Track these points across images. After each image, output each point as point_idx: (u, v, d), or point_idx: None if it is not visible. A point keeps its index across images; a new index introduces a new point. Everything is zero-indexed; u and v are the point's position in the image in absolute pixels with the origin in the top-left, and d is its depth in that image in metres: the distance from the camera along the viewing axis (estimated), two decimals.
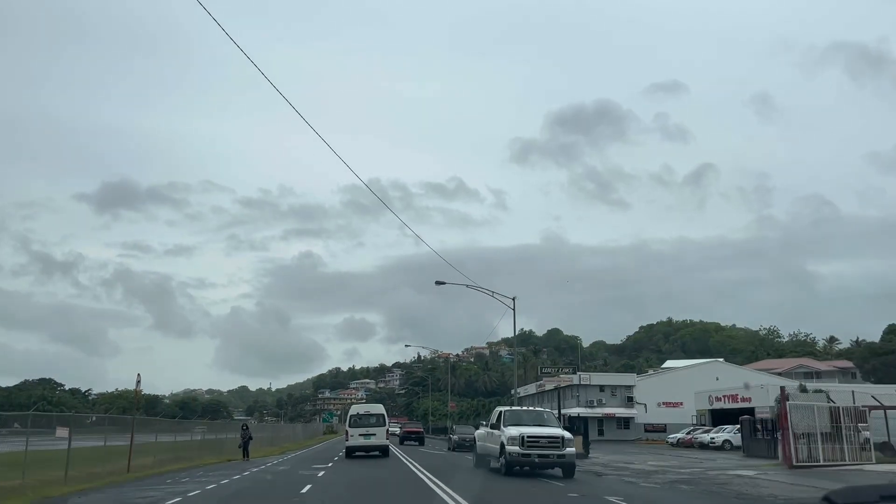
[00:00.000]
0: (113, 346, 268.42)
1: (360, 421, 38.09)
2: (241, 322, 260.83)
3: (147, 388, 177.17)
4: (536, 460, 22.56)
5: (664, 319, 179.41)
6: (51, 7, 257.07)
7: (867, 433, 30.61)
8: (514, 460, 22.52)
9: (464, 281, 48.56)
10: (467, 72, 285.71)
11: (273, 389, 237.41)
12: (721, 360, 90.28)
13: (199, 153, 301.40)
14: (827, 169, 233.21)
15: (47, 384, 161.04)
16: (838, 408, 29.35)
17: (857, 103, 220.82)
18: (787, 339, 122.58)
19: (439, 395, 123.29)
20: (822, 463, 27.44)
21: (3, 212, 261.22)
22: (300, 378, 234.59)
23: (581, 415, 69.18)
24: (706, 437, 52.97)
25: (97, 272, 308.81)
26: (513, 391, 52.65)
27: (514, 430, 22.70)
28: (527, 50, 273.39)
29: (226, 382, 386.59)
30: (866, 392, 39.45)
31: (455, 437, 48.67)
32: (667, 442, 60.89)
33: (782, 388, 31.47)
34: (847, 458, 28.06)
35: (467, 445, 43.41)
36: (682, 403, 74.52)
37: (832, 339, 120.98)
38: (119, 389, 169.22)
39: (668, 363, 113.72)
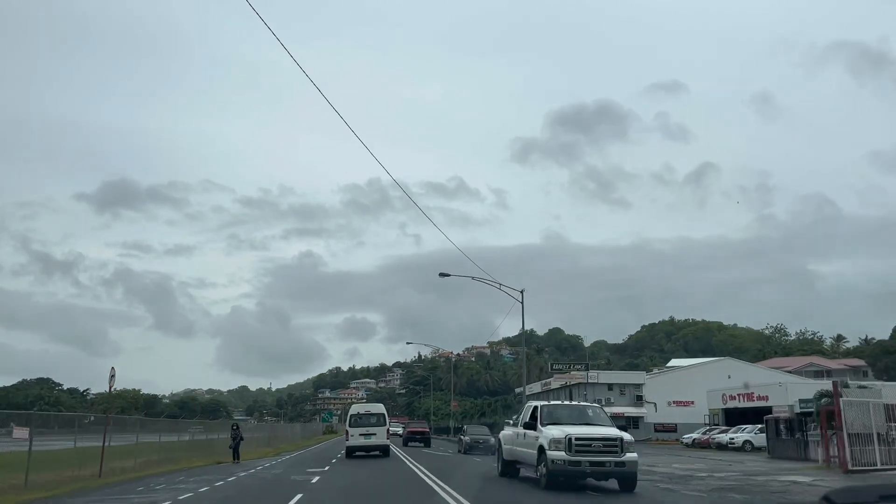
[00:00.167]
0: (113, 345, 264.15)
1: (361, 420, 37.29)
2: (241, 322, 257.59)
3: (147, 388, 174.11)
4: (588, 469, 17.62)
5: (666, 318, 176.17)
6: (51, 7, 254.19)
7: None
8: (559, 469, 17.38)
9: (477, 276, 45.39)
10: (467, 71, 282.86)
11: (273, 389, 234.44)
12: (732, 357, 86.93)
13: (200, 153, 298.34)
14: (828, 168, 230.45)
15: (45, 384, 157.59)
16: (892, 406, 26.01)
17: (857, 102, 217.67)
18: (793, 337, 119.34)
19: (441, 395, 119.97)
20: (878, 467, 24.09)
21: (3, 211, 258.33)
22: (300, 378, 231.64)
23: None
24: (724, 438, 49.64)
25: (97, 272, 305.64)
26: (521, 388, 49.25)
27: (556, 431, 17.64)
28: (527, 49, 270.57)
29: (226, 382, 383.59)
30: None
31: (466, 438, 43.94)
32: (681, 442, 57.52)
33: (835, 384, 28.10)
34: None
35: (480, 448, 40.22)
36: (692, 402, 71.21)
37: (839, 338, 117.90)
38: (118, 389, 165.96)
39: (674, 362, 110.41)
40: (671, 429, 70.72)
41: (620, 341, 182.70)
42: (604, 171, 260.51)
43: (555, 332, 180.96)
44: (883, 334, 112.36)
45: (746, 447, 47.13)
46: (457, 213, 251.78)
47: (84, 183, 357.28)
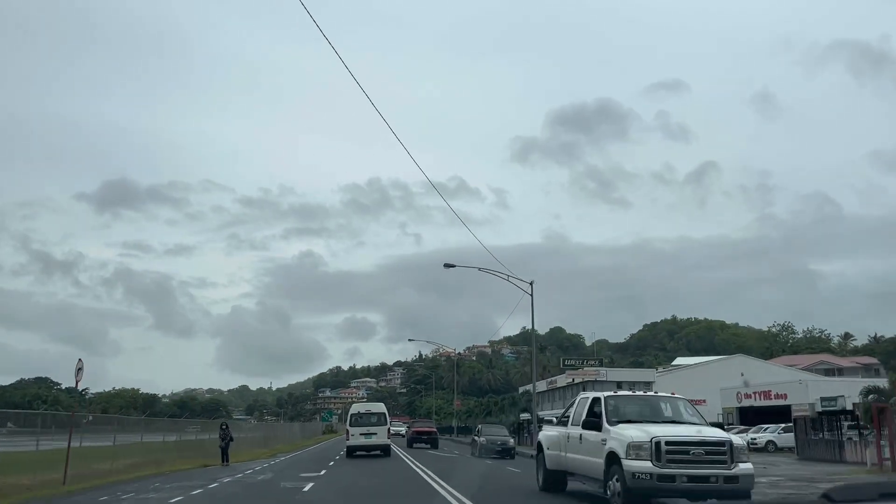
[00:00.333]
0: (114, 345, 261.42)
1: (361, 420, 36.61)
2: (241, 321, 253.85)
3: (148, 388, 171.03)
4: (685, 485, 12.53)
5: (668, 317, 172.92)
6: (51, 6, 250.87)
7: None
8: (644, 486, 12.41)
9: (483, 266, 42.15)
10: (467, 71, 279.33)
11: (273, 389, 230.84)
12: (744, 354, 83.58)
13: (200, 152, 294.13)
14: (829, 167, 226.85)
15: (43, 383, 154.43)
16: None
17: (858, 102, 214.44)
18: (801, 335, 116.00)
19: (442, 394, 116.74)
20: None
21: (3, 211, 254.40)
22: (301, 377, 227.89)
23: None
24: (745, 438, 46.23)
25: (97, 271, 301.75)
26: (532, 385, 46.02)
27: (635, 432, 12.71)
28: (527, 49, 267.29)
29: (226, 382, 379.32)
30: None
31: (482, 439, 37.39)
32: None
33: (892, 381, 24.76)
34: None
35: (499, 450, 35.67)
36: (704, 401, 67.43)
37: (847, 336, 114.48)
38: (116, 388, 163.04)
39: (679, 360, 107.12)
40: None
41: (622, 340, 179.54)
42: (604, 171, 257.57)
43: (556, 332, 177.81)
44: (887, 333, 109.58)
45: (770, 448, 43.89)
46: (457, 212, 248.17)
47: (84, 183, 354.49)
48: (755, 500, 14.24)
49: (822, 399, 50.17)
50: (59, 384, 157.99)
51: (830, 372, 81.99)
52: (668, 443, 12.46)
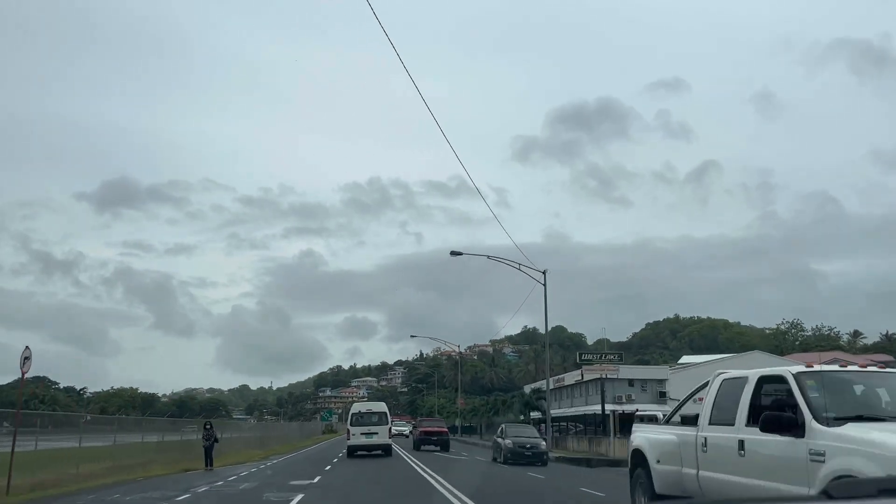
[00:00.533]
0: (114, 345, 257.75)
1: (362, 419, 35.76)
2: (242, 321, 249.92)
3: (148, 388, 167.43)
4: None
5: (671, 316, 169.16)
6: (51, 6, 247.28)
7: None
8: None
9: (493, 255, 38.47)
10: (468, 70, 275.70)
11: (274, 388, 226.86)
12: (761, 351, 79.82)
13: (199, 151, 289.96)
14: (830, 166, 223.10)
15: (41, 382, 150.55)
16: None
17: (859, 100, 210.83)
18: (809, 333, 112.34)
19: (444, 392, 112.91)
20: None
21: (3, 211, 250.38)
22: (301, 377, 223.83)
23: (608, 412, 58.78)
24: None
25: (98, 271, 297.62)
26: (545, 381, 42.27)
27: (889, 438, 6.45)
28: (528, 48, 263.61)
29: (227, 381, 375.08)
30: None
31: (508, 441, 31.17)
32: None
33: None
34: None
35: (528, 455, 29.91)
36: None
37: (856, 334, 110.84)
38: (114, 388, 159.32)
39: (685, 359, 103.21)
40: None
41: (624, 339, 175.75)
42: (605, 170, 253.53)
43: (557, 331, 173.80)
44: (891, 330, 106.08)
45: None
46: (457, 212, 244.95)
47: (84, 182, 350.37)
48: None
49: None
50: (56, 383, 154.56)
51: None
52: None
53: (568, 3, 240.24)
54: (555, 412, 68.03)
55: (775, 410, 7.84)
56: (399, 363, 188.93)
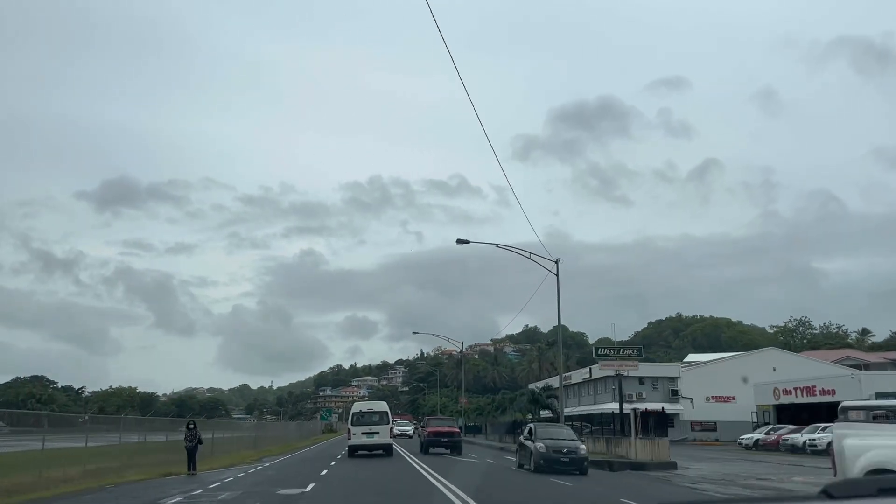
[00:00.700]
0: (114, 344, 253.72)
1: (363, 419, 34.94)
2: (242, 320, 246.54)
3: (148, 387, 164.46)
4: None
5: (673, 315, 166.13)
6: (51, 5, 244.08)
7: None
8: None
9: (502, 244, 35.32)
10: (469, 70, 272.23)
11: (274, 387, 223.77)
12: (776, 348, 76.79)
13: (199, 150, 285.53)
14: (832, 164, 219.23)
15: (39, 381, 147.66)
16: None
17: (861, 98, 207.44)
18: (818, 331, 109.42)
19: (447, 392, 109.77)
20: None
21: (3, 210, 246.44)
22: (302, 376, 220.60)
23: (616, 411, 55.70)
24: (799, 438, 39.48)
25: (98, 270, 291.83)
26: (558, 376, 39.15)
27: None
28: (528, 47, 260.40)
29: (227, 381, 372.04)
30: None
31: (539, 445, 24.99)
32: (739, 444, 47.22)
33: None
34: None
35: (566, 462, 24.13)
36: (734, 398, 61.14)
37: (865, 332, 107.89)
38: (113, 387, 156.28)
39: (691, 357, 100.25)
40: (710, 427, 60.58)
41: (626, 338, 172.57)
42: (606, 169, 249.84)
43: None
44: (888, 331, 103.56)
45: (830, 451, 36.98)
46: (458, 210, 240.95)
47: (84, 181, 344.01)
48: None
49: (878, 394, 43.69)
50: (55, 383, 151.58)
51: (857, 367, 75.54)
52: None
53: (568, 2, 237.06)
54: (574, 410, 64.98)
55: None
56: (400, 362, 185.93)
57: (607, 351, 35.55)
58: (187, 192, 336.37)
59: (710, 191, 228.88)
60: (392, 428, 38.45)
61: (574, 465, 24.34)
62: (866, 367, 78.11)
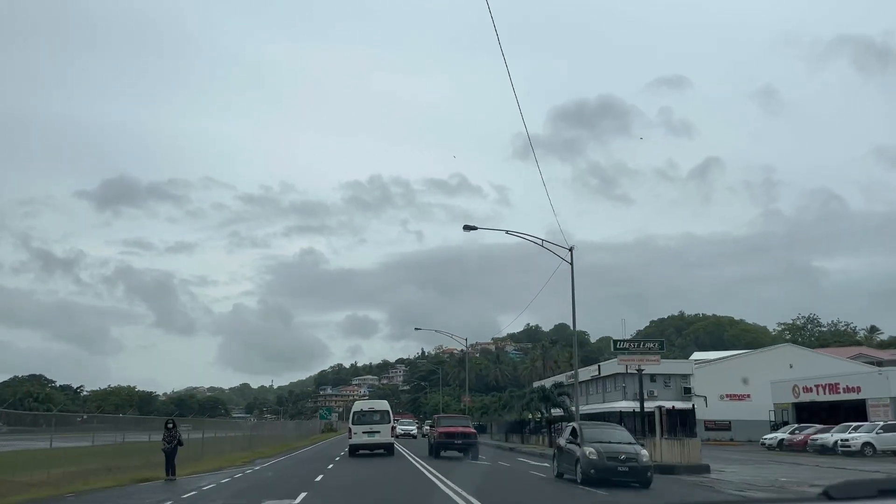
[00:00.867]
0: (115, 343, 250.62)
1: (364, 418, 34.30)
2: (243, 319, 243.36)
3: (149, 386, 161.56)
4: None
5: (676, 313, 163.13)
6: (51, 5, 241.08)
7: None
8: None
9: (512, 230, 32.32)
10: (469, 69, 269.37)
11: (275, 387, 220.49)
12: (793, 344, 73.77)
13: (199, 150, 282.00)
14: (833, 163, 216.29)
15: (37, 380, 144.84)
16: None
17: (862, 97, 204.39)
18: (825, 328, 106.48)
19: (449, 390, 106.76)
20: None
21: (3, 209, 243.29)
22: (302, 375, 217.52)
23: (629, 410, 52.71)
24: (829, 439, 36.41)
25: (98, 269, 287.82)
26: (574, 371, 36.14)
27: None
28: (529, 46, 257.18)
29: (228, 380, 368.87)
30: None
31: (588, 450, 19.52)
32: (762, 444, 44.16)
33: None
34: None
35: (626, 471, 18.80)
36: (748, 396, 58.13)
37: (873, 329, 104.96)
38: (112, 386, 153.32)
39: (697, 355, 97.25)
40: (724, 426, 57.54)
41: (628, 337, 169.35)
42: (606, 168, 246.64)
43: (561, 328, 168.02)
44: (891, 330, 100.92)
45: (867, 451, 33.92)
46: (459, 209, 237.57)
47: (85, 180, 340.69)
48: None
49: None
50: (53, 382, 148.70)
51: (870, 364, 72.78)
52: None
53: (568, 2, 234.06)
54: (590, 408, 61.93)
55: None
56: (400, 361, 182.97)
57: (627, 345, 32.51)
58: (187, 192, 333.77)
59: (712, 190, 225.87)
60: (394, 427, 37.74)
61: (635, 476, 18.95)
62: (880, 364, 75.28)
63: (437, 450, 32.24)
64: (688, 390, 59.27)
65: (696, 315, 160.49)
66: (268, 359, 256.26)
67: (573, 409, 42.54)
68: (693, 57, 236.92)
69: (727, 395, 58.29)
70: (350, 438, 34.18)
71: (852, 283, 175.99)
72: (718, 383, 59.17)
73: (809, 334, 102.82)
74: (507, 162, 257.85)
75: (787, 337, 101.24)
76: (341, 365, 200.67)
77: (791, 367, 57.05)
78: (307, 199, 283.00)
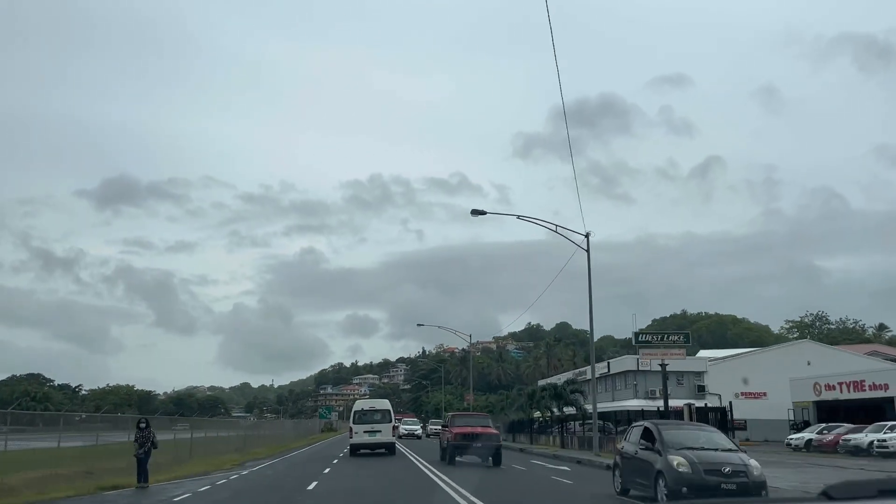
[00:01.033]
0: (115, 342, 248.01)
1: (365, 417, 33.90)
2: (243, 319, 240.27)
3: (149, 385, 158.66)
4: None
5: (678, 312, 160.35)
6: (51, 5, 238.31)
7: None
8: None
9: (524, 215, 29.48)
10: (470, 68, 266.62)
11: (275, 386, 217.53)
12: (812, 340, 70.85)
13: (199, 149, 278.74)
14: (835, 162, 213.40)
15: (35, 379, 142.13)
16: None
17: (864, 95, 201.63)
18: (833, 325, 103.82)
19: (450, 389, 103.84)
20: None
21: (3, 208, 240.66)
22: (303, 374, 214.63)
23: (639, 409, 49.74)
24: (863, 439, 33.46)
25: (98, 269, 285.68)
26: (590, 367, 33.23)
27: None
28: (529, 47, 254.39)
29: (228, 379, 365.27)
30: None
31: (675, 459, 14.17)
32: (788, 445, 41.19)
33: None
34: None
35: (728, 490, 13.42)
36: (765, 394, 55.17)
37: (882, 327, 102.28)
38: (111, 385, 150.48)
39: (702, 353, 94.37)
40: (740, 426, 54.37)
41: (629, 336, 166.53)
42: (607, 167, 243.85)
43: (562, 327, 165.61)
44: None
45: None
46: (459, 209, 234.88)
47: (85, 180, 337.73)
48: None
49: None
50: (51, 381, 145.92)
51: (891, 361, 70.12)
52: None
53: (568, 2, 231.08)
54: (607, 405, 58.94)
55: None
56: (401, 360, 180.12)
57: (650, 337, 29.56)
58: (187, 191, 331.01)
59: (713, 188, 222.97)
60: (395, 426, 37.08)
61: (746, 491, 13.77)
62: (893, 361, 72.47)
63: (452, 454, 27.09)
64: (702, 388, 56.35)
65: (698, 314, 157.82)
66: (268, 358, 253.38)
67: (587, 406, 39.68)
68: (694, 55, 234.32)
69: (742, 394, 55.33)
70: (351, 438, 33.79)
71: (853, 282, 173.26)
72: (733, 382, 56.26)
73: (818, 332, 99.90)
74: (508, 161, 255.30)
75: (795, 335, 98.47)
76: (342, 364, 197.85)
77: (809, 363, 54.18)
78: (307, 198, 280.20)
